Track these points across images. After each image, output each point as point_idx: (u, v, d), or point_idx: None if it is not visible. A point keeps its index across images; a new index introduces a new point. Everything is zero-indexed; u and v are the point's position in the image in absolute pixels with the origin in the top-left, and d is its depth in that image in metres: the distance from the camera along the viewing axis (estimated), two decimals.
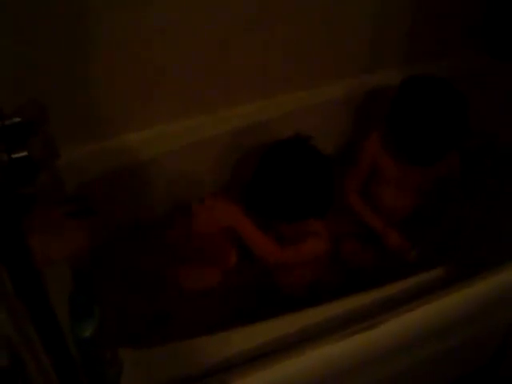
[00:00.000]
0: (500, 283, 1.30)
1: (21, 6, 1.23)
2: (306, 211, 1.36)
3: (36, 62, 1.32)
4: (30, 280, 0.60)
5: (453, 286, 1.26)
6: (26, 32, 1.27)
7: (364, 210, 1.63)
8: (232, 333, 1.13)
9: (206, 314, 1.43)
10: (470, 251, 1.43)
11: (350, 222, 1.67)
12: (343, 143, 1.95)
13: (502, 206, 1.58)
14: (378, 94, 1.87)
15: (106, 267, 1.48)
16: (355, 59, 1.87)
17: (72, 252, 1.23)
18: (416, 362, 1.32)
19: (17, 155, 0.63)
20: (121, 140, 1.57)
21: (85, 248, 1.22)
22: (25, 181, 0.64)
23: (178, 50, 1.52)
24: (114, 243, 1.58)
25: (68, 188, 1.34)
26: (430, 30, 1.94)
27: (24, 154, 0.63)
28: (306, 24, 1.69)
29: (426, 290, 1.26)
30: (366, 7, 1.76)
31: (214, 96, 1.67)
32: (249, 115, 1.72)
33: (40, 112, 0.77)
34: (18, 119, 0.64)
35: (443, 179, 1.65)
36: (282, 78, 1.77)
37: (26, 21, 1.26)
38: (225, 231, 1.34)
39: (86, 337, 0.90)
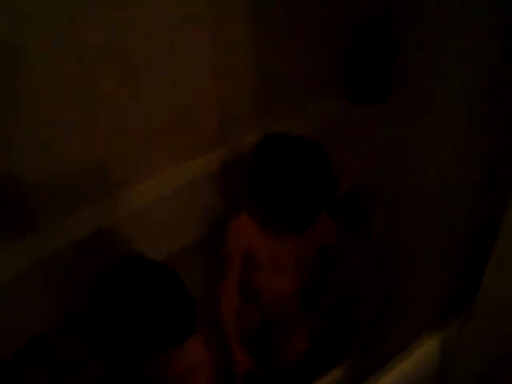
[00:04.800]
0: (412, 367, 1.10)
1: None
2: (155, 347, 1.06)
3: None
4: None
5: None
6: None
7: (231, 331, 1.38)
8: None
9: None
10: (370, 337, 1.21)
11: None
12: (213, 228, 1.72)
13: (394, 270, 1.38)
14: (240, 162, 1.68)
15: None
16: (208, 131, 1.67)
17: None
18: None
19: None
20: None
21: None
22: None
23: None
24: None
25: None
26: (282, 84, 1.80)
27: None
28: (147, 98, 1.48)
29: None
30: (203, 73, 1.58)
31: None
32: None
33: None
34: None
35: (324, 250, 1.46)
36: (131, 166, 1.55)
37: None
38: None
39: None
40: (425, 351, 1.12)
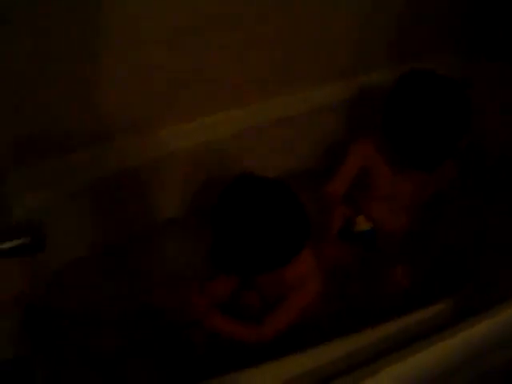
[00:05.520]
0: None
1: None
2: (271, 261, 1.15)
3: None
4: None
5: (461, 322, 1.08)
6: None
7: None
8: None
9: None
10: (481, 276, 1.23)
11: None
12: (330, 155, 1.76)
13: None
14: (366, 97, 1.69)
15: None
16: (341, 61, 1.70)
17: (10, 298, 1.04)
18: None
19: None
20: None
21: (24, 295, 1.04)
22: None
23: None
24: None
25: None
26: (417, 31, 1.78)
27: None
28: (289, 24, 1.52)
29: (430, 328, 1.08)
30: (352, 7, 1.60)
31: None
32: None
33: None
34: None
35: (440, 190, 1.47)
36: (261, 82, 1.60)
37: None
38: None
39: None
40: None
